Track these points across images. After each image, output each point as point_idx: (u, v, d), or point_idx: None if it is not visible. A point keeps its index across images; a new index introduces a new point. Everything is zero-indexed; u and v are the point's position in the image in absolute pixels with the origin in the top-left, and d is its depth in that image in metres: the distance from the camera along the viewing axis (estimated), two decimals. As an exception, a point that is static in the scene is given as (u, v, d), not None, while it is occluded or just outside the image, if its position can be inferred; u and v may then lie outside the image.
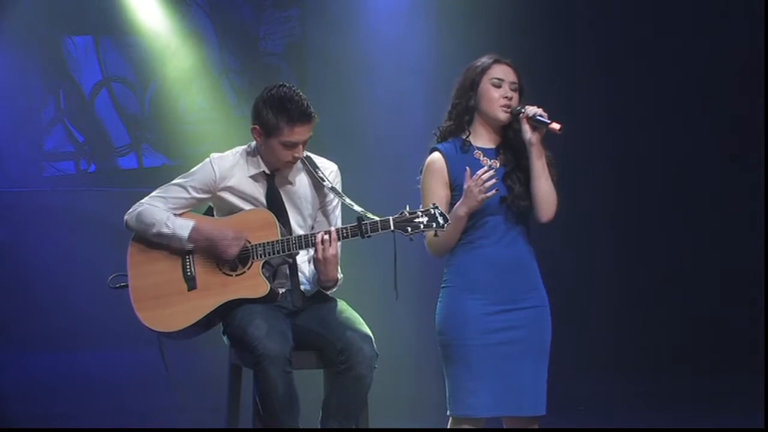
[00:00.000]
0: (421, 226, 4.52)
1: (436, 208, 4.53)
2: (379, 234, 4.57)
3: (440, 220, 4.52)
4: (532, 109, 4.58)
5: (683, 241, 9.18)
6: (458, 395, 4.62)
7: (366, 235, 4.58)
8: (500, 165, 4.68)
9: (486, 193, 4.49)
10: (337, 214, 4.89)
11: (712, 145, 9.09)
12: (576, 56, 8.95)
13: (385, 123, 8.81)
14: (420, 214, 4.53)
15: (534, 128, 4.58)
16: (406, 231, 4.53)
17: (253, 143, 4.82)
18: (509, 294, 4.62)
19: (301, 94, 4.69)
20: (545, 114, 4.57)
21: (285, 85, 4.72)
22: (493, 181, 4.50)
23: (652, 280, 9.16)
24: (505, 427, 4.71)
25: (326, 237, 4.60)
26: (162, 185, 4.83)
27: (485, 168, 4.53)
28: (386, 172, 8.46)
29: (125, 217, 4.78)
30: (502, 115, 4.64)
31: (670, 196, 9.22)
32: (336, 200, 4.85)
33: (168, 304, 4.69)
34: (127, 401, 7.86)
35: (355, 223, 4.58)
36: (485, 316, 4.60)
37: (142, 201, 4.78)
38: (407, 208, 4.55)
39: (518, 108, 4.62)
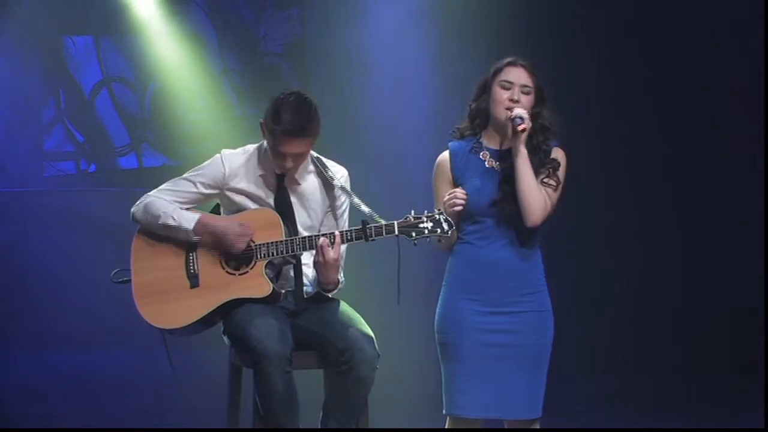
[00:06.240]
0: (426, 231, 4.53)
1: (441, 213, 4.55)
2: (383, 238, 4.57)
3: (445, 226, 4.53)
4: (515, 112, 4.60)
5: (683, 241, 9.18)
6: (448, 393, 4.64)
7: (370, 239, 4.58)
8: (503, 167, 4.68)
9: (451, 207, 4.55)
10: (346, 217, 4.87)
11: (715, 144, 9.09)
12: (578, 55, 8.94)
13: (386, 122, 8.81)
14: (425, 219, 4.54)
15: (515, 131, 4.60)
16: (411, 236, 4.54)
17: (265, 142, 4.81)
18: (501, 296, 4.62)
19: (309, 108, 4.62)
20: (524, 116, 4.57)
21: (298, 94, 4.66)
22: (459, 201, 4.54)
23: (653, 280, 9.15)
24: (506, 428, 4.71)
25: (326, 240, 4.59)
26: (167, 181, 4.82)
27: (460, 189, 4.58)
28: (387, 172, 8.47)
29: (132, 209, 4.77)
30: (504, 117, 4.65)
31: (669, 197, 9.21)
32: (346, 203, 4.84)
33: (170, 300, 4.68)
34: (127, 401, 7.86)
35: (360, 227, 4.58)
36: (477, 315, 4.60)
37: (149, 193, 4.77)
38: (412, 213, 4.55)
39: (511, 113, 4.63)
